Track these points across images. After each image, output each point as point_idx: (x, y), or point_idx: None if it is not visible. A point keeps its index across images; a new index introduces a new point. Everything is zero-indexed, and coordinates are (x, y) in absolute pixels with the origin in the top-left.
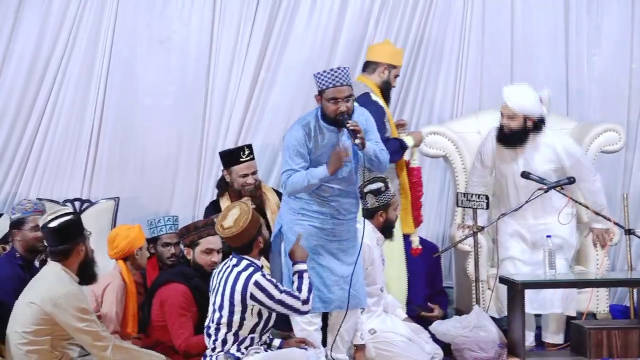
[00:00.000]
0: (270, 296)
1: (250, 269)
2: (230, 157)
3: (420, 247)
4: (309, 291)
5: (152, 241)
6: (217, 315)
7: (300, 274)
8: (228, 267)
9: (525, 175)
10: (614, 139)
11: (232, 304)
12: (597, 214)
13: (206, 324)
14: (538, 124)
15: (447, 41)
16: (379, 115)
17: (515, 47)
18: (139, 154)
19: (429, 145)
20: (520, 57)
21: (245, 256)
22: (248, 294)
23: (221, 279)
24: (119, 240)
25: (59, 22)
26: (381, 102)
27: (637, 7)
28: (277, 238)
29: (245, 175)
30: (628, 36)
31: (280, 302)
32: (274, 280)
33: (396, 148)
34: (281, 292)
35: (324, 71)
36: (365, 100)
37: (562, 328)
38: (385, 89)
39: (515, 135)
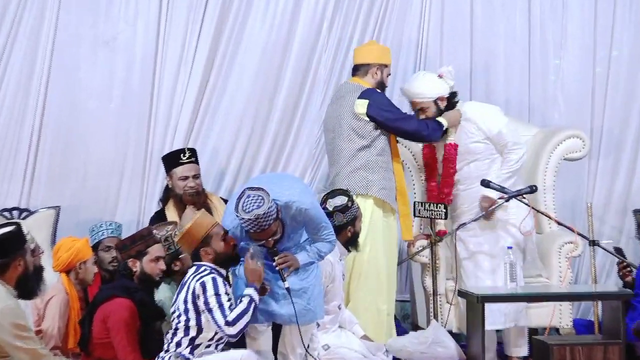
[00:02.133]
0: (205, 300)
1: (206, 272)
2: (170, 160)
3: (445, 229)
4: (239, 317)
5: (94, 248)
6: (175, 322)
7: (242, 297)
8: (188, 276)
9: (485, 183)
10: (577, 146)
11: (186, 308)
12: (560, 223)
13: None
14: (451, 100)
15: (403, 46)
16: (386, 99)
17: (475, 51)
18: (82, 160)
19: None
20: (481, 62)
21: (207, 263)
22: (196, 294)
23: (180, 288)
24: (61, 252)
25: None
26: None
27: (600, 11)
28: None
29: (186, 178)
30: (591, 40)
31: (210, 311)
32: (224, 290)
33: (436, 127)
34: (217, 302)
35: (244, 217)
36: (371, 91)
37: (525, 340)
38: (382, 90)
39: None
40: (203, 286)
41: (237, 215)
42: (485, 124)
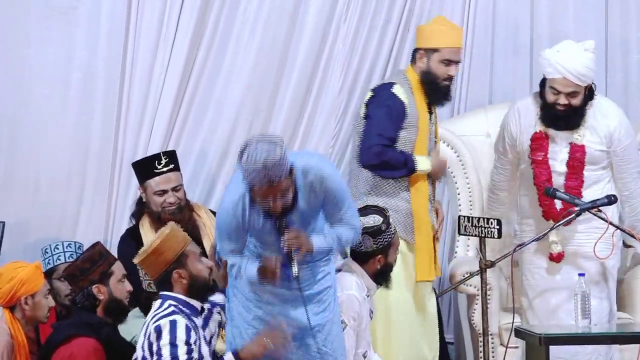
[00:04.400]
0: (158, 349)
1: (168, 310)
2: (142, 168)
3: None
4: None
5: (48, 275)
6: None
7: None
8: (150, 313)
9: (551, 193)
10: None
11: (144, 357)
12: None
13: None
14: (592, 89)
15: (445, 8)
16: (389, 112)
17: (537, 13)
18: (31, 165)
19: None
20: (545, 29)
21: (174, 294)
22: (150, 341)
23: (142, 328)
24: (2, 282)
25: None
26: (403, 97)
27: None
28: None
29: (163, 193)
30: None
31: None
32: (185, 338)
33: (398, 163)
34: (171, 354)
35: (249, 167)
36: (380, 90)
37: None
38: (428, 81)
39: (576, 113)
40: (158, 331)
41: (240, 165)
42: (618, 129)
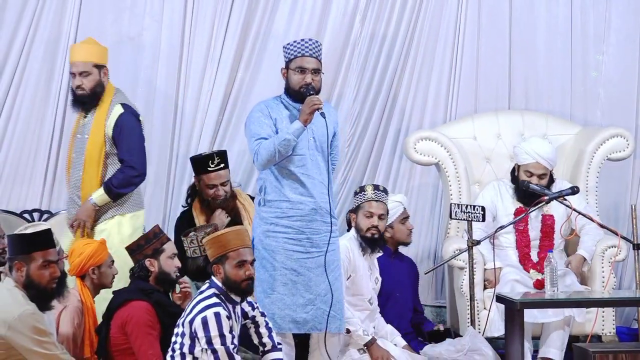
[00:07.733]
0: (209, 340)
1: (211, 301)
2: (198, 164)
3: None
4: None
5: None
6: (173, 339)
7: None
8: (199, 291)
9: (525, 185)
10: (621, 145)
11: (183, 332)
12: (602, 226)
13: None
14: (552, 175)
15: (440, 38)
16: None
17: (514, 44)
18: None
19: (420, 152)
20: (520, 55)
21: (218, 284)
22: (193, 328)
23: (189, 302)
24: (73, 257)
25: (17, 17)
26: None
27: None
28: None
29: (214, 187)
30: (638, 32)
31: (214, 352)
32: (229, 328)
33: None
34: (224, 344)
35: (294, 41)
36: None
37: (564, 347)
38: None
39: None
40: (204, 322)
41: (294, 41)
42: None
